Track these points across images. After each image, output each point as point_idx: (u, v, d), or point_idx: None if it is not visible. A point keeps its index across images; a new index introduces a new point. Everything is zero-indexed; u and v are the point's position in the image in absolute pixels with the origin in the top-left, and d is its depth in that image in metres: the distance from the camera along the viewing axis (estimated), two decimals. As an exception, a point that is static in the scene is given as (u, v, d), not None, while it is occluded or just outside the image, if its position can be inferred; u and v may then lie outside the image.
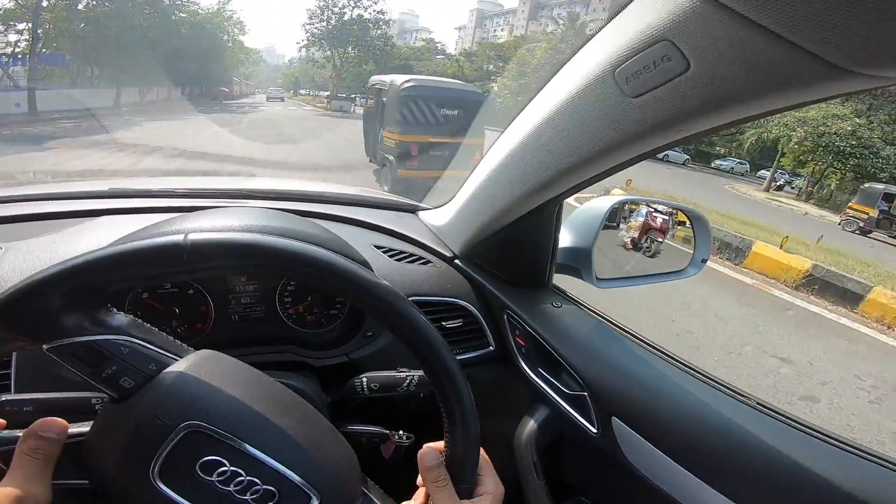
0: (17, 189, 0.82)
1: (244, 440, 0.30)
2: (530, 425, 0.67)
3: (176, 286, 0.61)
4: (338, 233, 0.60)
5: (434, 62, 36.59)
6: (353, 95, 29.22)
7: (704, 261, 0.80)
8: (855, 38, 0.24)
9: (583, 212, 0.73)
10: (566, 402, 0.63)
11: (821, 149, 15.41)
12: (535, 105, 0.52)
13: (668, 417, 0.53)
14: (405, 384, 0.50)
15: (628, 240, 0.82)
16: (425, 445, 0.37)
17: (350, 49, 33.59)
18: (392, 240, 0.80)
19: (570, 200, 0.67)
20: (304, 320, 0.68)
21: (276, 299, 0.66)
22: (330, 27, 32.82)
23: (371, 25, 33.06)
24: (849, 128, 15.13)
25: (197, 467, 0.29)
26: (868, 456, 0.43)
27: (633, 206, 0.86)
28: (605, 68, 0.39)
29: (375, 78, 6.73)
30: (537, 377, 0.68)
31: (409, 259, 0.76)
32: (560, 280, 0.76)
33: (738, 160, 23.59)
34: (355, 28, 32.88)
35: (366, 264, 0.58)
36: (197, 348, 0.35)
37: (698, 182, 15.15)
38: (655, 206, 0.85)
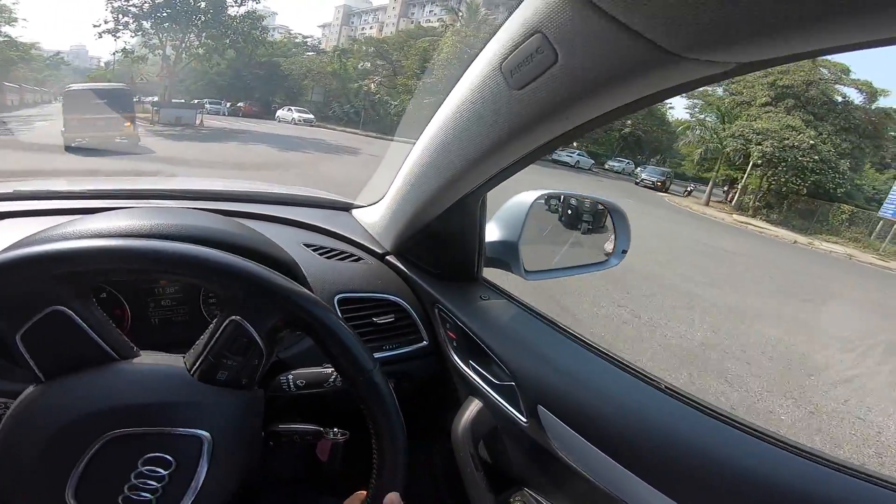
0: None
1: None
2: (465, 417, 0.83)
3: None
4: (266, 232, 0.71)
5: (306, 59, 36.23)
6: (198, 101, 26.40)
7: (625, 251, 1.05)
8: (681, 23, 0.35)
9: (508, 207, 0.93)
10: (497, 393, 0.80)
11: (783, 163, 18.18)
12: (446, 102, 0.67)
13: (588, 405, 0.67)
14: (331, 379, 0.60)
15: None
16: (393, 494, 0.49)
17: (192, 35, 27.45)
18: (323, 238, 0.95)
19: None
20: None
21: (200, 300, 0.75)
22: (155, 2, 25.62)
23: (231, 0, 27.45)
24: (810, 141, 18.29)
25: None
26: (766, 437, 0.57)
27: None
28: (493, 63, 0.53)
29: None
30: (469, 370, 0.85)
31: (340, 256, 0.91)
32: (493, 275, 0.95)
33: (626, 161, 30.80)
34: (202, 2, 26.50)
35: (294, 263, 0.70)
36: None
37: (623, 190, 17.63)
38: (575, 198, 1.08)
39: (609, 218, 1.05)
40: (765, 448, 0.55)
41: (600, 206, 1.06)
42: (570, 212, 1.09)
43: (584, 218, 1.09)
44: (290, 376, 0.60)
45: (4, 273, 0.39)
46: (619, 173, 28.53)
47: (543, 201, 1.02)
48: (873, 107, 20.55)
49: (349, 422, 0.61)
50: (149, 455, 0.41)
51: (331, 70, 33.29)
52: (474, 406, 0.83)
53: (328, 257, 0.90)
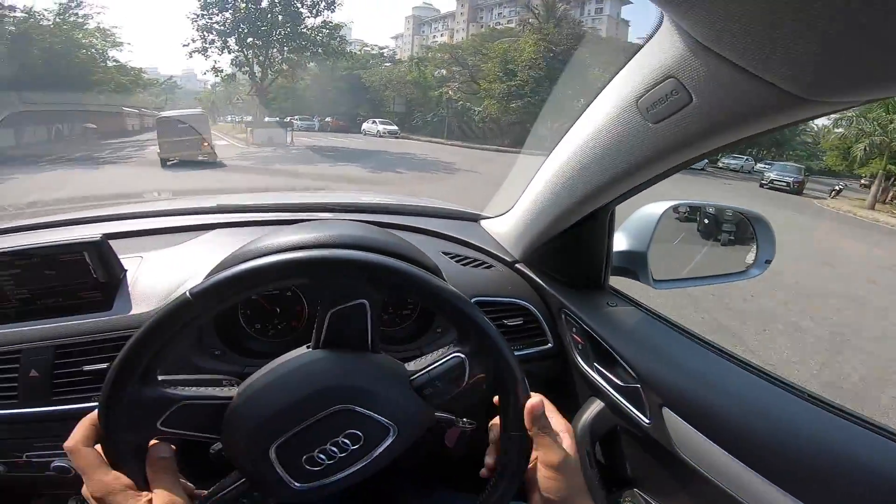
0: (145, 206, 1.26)
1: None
2: (585, 417, 0.89)
3: (276, 287, 0.85)
4: (411, 241, 0.83)
5: (384, 70, 37.92)
6: (289, 118, 28.48)
7: (769, 262, 1.03)
8: (805, 71, 0.40)
9: (637, 218, 0.98)
10: (620, 395, 0.85)
11: None
12: (578, 126, 0.76)
13: (719, 409, 0.69)
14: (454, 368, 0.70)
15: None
16: (535, 396, 0.57)
17: (275, 51, 27.15)
18: (458, 247, 1.08)
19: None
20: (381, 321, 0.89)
21: None
22: (237, 16, 25.12)
23: (306, 10, 26.26)
24: None
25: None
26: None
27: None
28: (629, 100, 0.61)
29: None
30: (593, 371, 0.91)
31: (475, 264, 1.04)
32: (621, 284, 1.00)
33: (744, 157, 28.34)
34: (279, 17, 25.91)
35: (437, 270, 0.80)
36: (294, 344, 0.57)
37: (754, 195, 15.82)
38: (709, 207, 1.08)
39: (751, 228, 1.03)
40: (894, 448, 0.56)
41: (741, 216, 1.05)
42: (706, 221, 1.09)
43: (723, 228, 1.09)
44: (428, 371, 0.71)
45: (339, 267, 0.52)
46: (737, 171, 26.62)
47: (674, 211, 1.04)
48: None
49: (472, 412, 0.70)
50: (352, 430, 0.52)
51: (410, 79, 34.40)
52: (595, 406, 0.89)
53: (464, 264, 1.03)
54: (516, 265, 1.06)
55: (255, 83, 27.48)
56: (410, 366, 0.57)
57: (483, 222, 1.23)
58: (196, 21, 25.56)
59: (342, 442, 0.52)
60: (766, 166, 23.05)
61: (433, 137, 28.64)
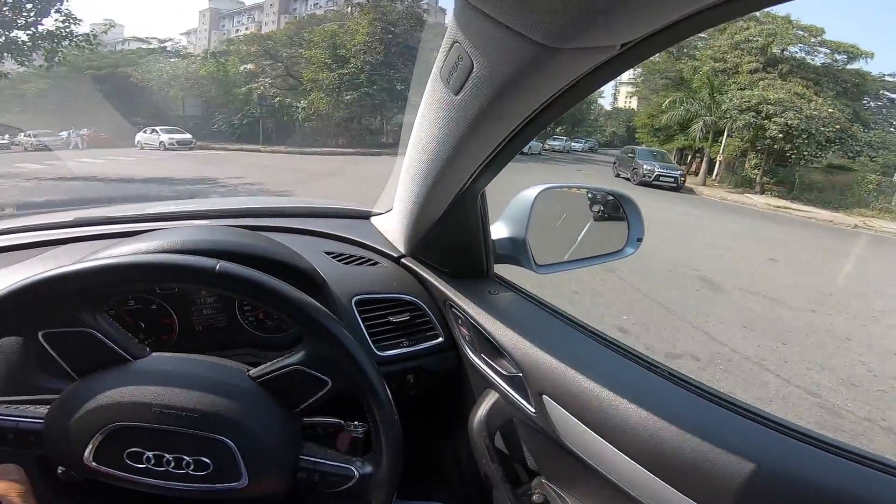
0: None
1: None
2: (481, 410, 1.00)
3: (138, 302, 0.91)
4: (290, 243, 0.92)
5: (168, 66, 33.33)
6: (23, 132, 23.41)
7: (640, 239, 1.18)
8: (547, 16, 0.45)
9: (513, 204, 1.11)
10: (508, 385, 0.95)
11: (804, 135, 18.53)
12: (420, 108, 0.82)
13: (589, 393, 0.78)
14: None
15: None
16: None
17: None
18: (342, 245, 1.17)
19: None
20: (264, 326, 0.99)
21: (235, 308, 0.98)
22: None
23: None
24: (829, 109, 18.75)
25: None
26: (764, 420, 0.67)
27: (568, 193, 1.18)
28: (435, 73, 0.67)
29: None
30: (482, 363, 1.01)
31: (358, 261, 1.13)
32: (509, 272, 1.12)
33: (563, 138, 34.01)
34: None
35: (313, 270, 0.92)
36: None
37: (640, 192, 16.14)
38: (581, 191, 1.18)
39: (621, 208, 1.16)
40: (762, 431, 0.66)
41: (609, 197, 1.18)
42: (577, 204, 1.20)
43: (593, 209, 1.22)
44: None
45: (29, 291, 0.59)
46: (560, 152, 31.68)
47: (546, 196, 1.13)
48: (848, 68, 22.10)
49: (363, 414, 0.75)
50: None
51: (205, 74, 30.50)
52: (490, 398, 1.00)
53: (346, 263, 1.11)
54: (402, 260, 1.17)
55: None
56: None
57: (373, 219, 1.33)
58: None
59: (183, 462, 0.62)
60: (577, 143, 28.96)
61: (245, 144, 25.04)
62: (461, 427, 1.05)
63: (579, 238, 1.21)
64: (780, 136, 18.95)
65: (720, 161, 22.04)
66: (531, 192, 1.07)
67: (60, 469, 0.67)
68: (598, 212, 1.22)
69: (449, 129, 0.73)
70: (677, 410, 0.71)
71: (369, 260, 1.16)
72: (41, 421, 0.62)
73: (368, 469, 0.66)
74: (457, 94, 0.64)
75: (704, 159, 22.24)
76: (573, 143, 32.98)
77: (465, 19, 0.54)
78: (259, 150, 22.10)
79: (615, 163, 21.34)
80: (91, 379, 0.62)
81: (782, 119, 18.87)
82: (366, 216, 1.35)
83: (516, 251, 1.06)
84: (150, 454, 0.60)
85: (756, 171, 20.75)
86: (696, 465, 0.64)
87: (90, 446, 0.59)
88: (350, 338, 0.63)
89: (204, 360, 0.67)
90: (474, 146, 0.76)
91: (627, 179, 18.31)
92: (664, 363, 0.82)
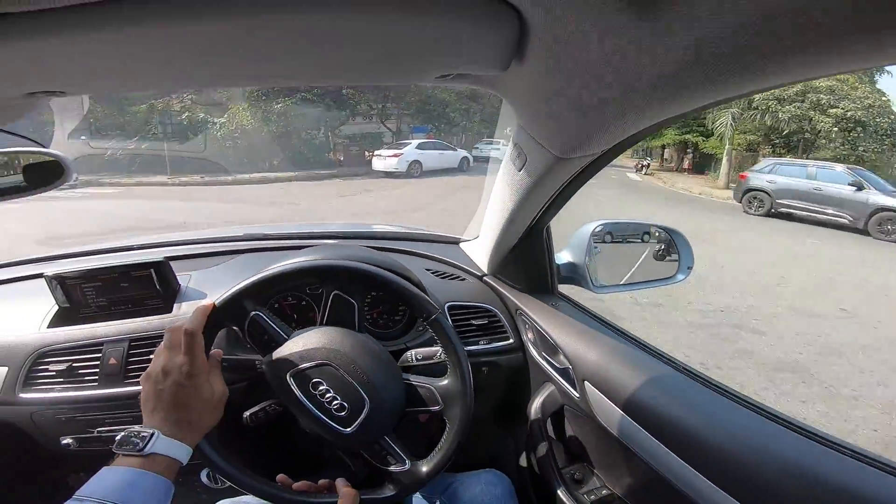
0: (193, 235, 1.76)
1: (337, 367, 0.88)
2: (538, 399, 1.28)
3: (295, 299, 1.31)
4: (402, 261, 1.29)
5: None
6: None
7: (690, 267, 1.42)
8: (555, 141, 0.83)
9: (575, 237, 1.41)
10: (560, 375, 1.22)
11: (860, 127, 16.63)
12: (499, 174, 1.20)
13: (622, 380, 0.99)
14: (437, 355, 1.08)
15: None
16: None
17: None
18: (438, 264, 1.55)
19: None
20: (377, 323, 1.36)
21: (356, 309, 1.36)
22: None
23: None
24: (883, 98, 17.15)
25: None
26: (779, 419, 0.78)
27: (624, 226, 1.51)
28: (507, 152, 1.08)
29: None
30: (542, 360, 1.30)
31: (451, 277, 1.50)
32: (573, 292, 1.42)
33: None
34: None
35: (420, 282, 1.27)
36: None
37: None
38: (633, 226, 1.50)
39: (671, 240, 1.44)
40: (774, 428, 0.78)
41: (662, 230, 1.46)
42: (631, 237, 1.51)
43: (648, 241, 1.50)
44: (412, 352, 1.07)
45: (339, 271, 0.93)
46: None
47: (602, 229, 1.46)
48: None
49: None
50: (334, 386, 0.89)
51: None
52: (546, 389, 1.28)
53: (441, 278, 1.48)
54: (484, 278, 1.51)
55: None
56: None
57: (462, 244, 1.71)
58: None
59: (334, 403, 0.86)
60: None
61: (147, 176, 16.65)
62: (519, 415, 1.35)
63: (634, 265, 1.47)
64: (835, 129, 16.68)
65: (729, 159, 19.18)
66: (590, 227, 1.38)
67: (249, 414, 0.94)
68: (650, 243, 1.47)
69: (518, 188, 1.08)
70: (699, 404, 0.87)
71: (458, 276, 1.49)
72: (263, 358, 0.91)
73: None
74: (520, 170, 1.02)
75: (725, 158, 19.39)
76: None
77: (520, 132, 0.92)
78: (166, 184, 15.96)
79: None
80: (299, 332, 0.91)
81: (838, 109, 16.45)
82: (454, 242, 1.71)
83: (577, 273, 1.37)
84: (324, 388, 0.86)
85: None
86: (719, 455, 0.77)
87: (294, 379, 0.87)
88: (453, 329, 0.94)
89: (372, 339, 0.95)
90: (536, 198, 1.09)
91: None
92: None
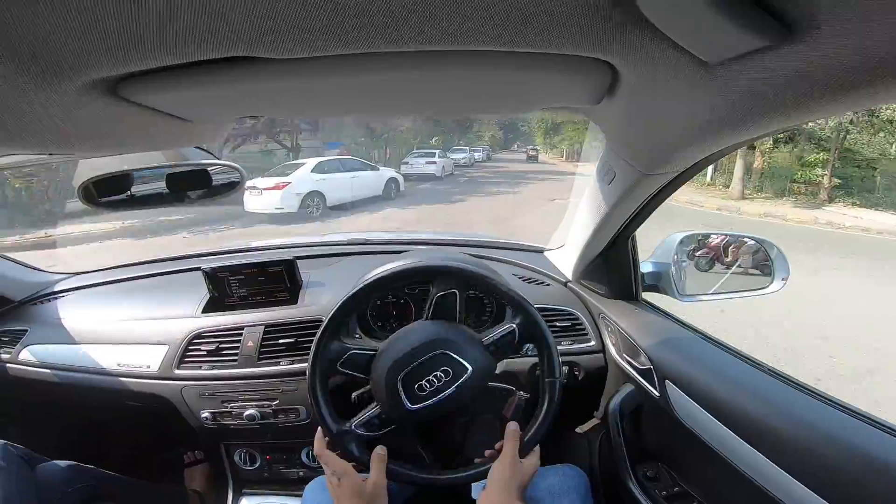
0: (305, 239, 2.14)
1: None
2: (616, 398, 1.34)
3: (395, 298, 1.50)
4: (494, 267, 1.41)
5: None
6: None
7: (785, 278, 1.40)
8: (641, 160, 0.90)
9: (661, 245, 1.44)
10: (640, 376, 1.27)
11: None
12: (588, 187, 1.29)
13: (707, 382, 1.02)
14: (524, 349, 1.20)
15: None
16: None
17: None
18: (524, 270, 1.67)
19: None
20: (466, 322, 1.47)
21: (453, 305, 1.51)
22: None
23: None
24: None
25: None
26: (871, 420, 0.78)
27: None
28: (598, 166, 1.15)
29: None
30: (623, 361, 1.36)
31: (536, 282, 1.61)
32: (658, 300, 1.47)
33: (467, 148, 31.05)
34: None
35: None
36: None
37: None
38: (721, 236, 1.49)
39: (764, 251, 1.42)
40: (870, 432, 0.76)
41: (754, 241, 1.44)
42: (719, 246, 1.50)
43: (741, 251, 1.48)
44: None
45: (445, 271, 1.07)
46: (465, 166, 27.69)
47: (690, 239, 1.49)
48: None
49: (530, 389, 1.14)
50: (445, 368, 1.01)
51: None
52: (625, 389, 1.33)
53: (528, 282, 1.60)
54: (568, 284, 1.61)
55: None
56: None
57: (546, 253, 1.81)
58: None
59: (438, 375, 0.98)
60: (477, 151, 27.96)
61: None
62: (598, 415, 1.43)
63: (723, 275, 1.47)
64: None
65: (745, 161, 16.67)
66: (677, 236, 1.42)
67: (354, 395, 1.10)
68: (741, 253, 1.45)
69: (606, 201, 1.15)
70: (788, 405, 0.86)
71: (543, 282, 1.60)
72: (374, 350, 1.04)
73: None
74: (608, 184, 1.10)
75: (740, 160, 16.75)
76: (475, 154, 31.19)
77: (609, 151, 1.02)
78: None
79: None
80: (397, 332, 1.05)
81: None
82: (539, 251, 1.81)
83: (662, 282, 1.41)
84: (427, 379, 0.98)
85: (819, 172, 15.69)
86: (810, 456, 0.77)
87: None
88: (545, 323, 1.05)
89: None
90: (622, 210, 1.16)
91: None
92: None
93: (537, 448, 1.03)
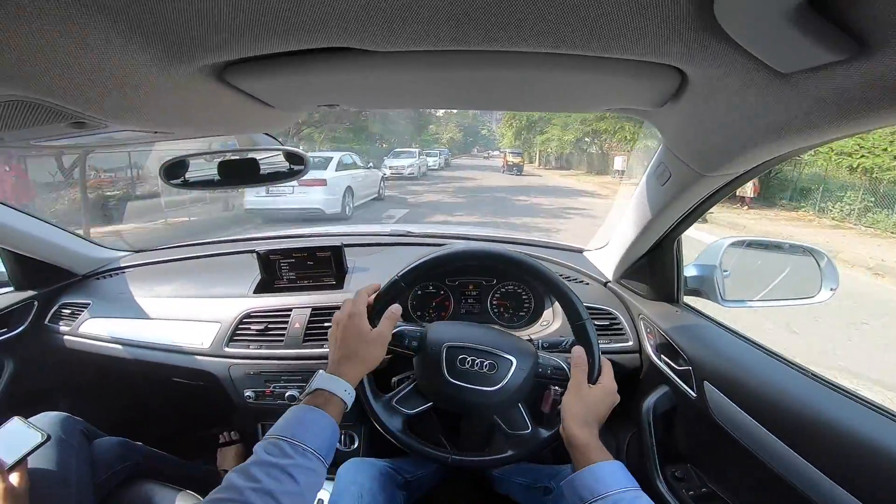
0: (356, 229, 2.30)
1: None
2: (650, 399, 1.34)
3: (434, 288, 1.55)
4: None
5: None
6: None
7: (833, 289, 1.39)
8: (700, 161, 0.91)
9: (706, 250, 1.43)
10: (677, 377, 1.27)
11: None
12: (638, 188, 1.31)
13: (748, 384, 1.01)
14: (563, 343, 1.21)
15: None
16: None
17: None
18: (565, 270, 1.68)
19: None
20: (502, 316, 1.56)
21: (488, 300, 1.56)
22: None
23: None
24: None
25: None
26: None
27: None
28: (650, 169, 1.15)
29: None
30: (660, 362, 1.36)
31: (576, 281, 1.63)
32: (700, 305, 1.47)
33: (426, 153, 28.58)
34: None
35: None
36: None
37: None
38: (769, 245, 1.48)
39: (813, 259, 1.41)
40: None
41: (803, 249, 1.43)
42: (768, 254, 1.49)
43: (783, 258, 1.47)
44: (540, 340, 1.23)
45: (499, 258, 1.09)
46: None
47: (736, 245, 1.47)
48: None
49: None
50: (491, 362, 1.07)
51: None
52: (661, 390, 1.34)
53: (568, 281, 1.59)
54: (608, 284, 1.62)
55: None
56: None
57: (586, 253, 1.83)
58: None
59: (482, 363, 1.05)
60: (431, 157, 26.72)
61: None
62: (629, 414, 1.42)
63: (769, 282, 1.45)
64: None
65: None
66: (724, 242, 1.41)
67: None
68: (789, 261, 1.43)
69: (658, 201, 1.17)
70: (828, 409, 0.86)
71: (582, 281, 1.61)
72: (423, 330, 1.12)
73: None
74: (662, 185, 1.11)
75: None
76: (427, 159, 26.26)
77: (665, 151, 1.02)
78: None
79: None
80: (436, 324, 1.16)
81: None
82: (578, 251, 1.83)
83: (705, 286, 1.40)
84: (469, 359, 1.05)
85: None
86: (825, 447, 0.80)
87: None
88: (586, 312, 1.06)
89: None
90: (673, 211, 1.17)
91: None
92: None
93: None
